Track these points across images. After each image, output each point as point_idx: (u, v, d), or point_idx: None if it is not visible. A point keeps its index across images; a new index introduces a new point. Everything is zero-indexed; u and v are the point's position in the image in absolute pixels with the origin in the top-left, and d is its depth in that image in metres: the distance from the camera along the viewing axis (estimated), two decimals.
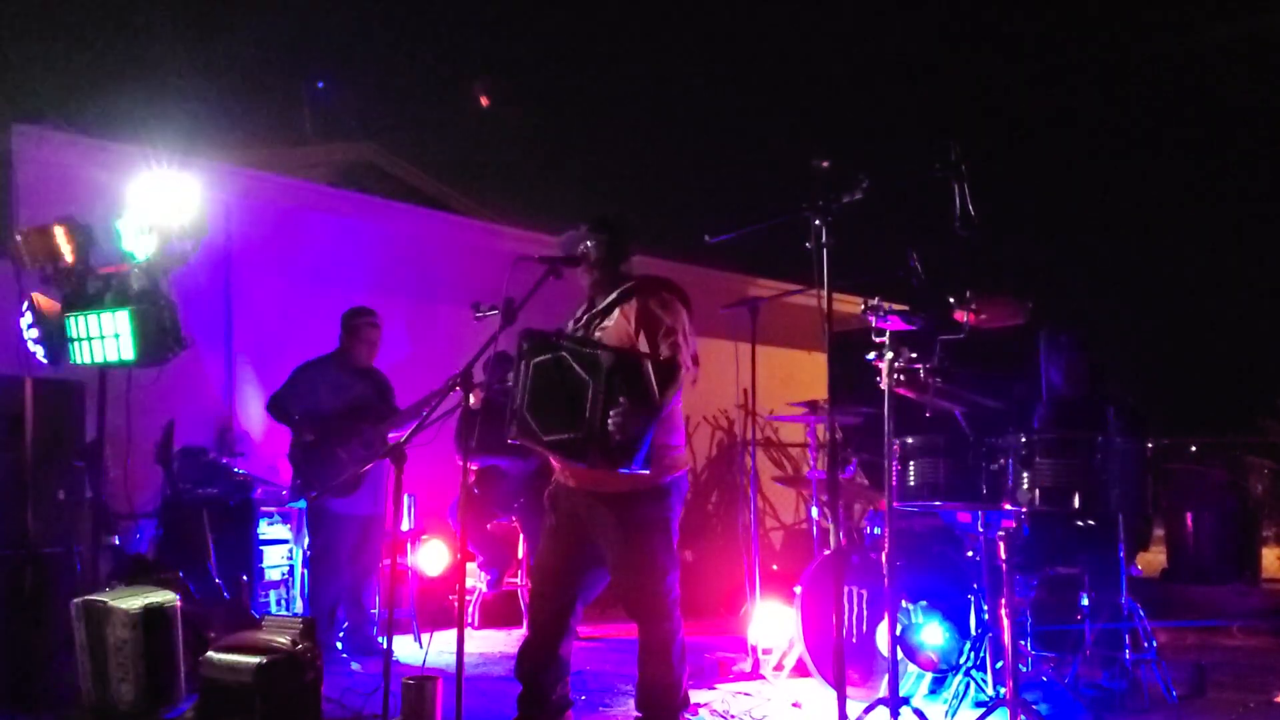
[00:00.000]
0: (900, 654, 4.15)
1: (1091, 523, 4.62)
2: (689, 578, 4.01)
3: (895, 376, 3.91)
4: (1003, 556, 3.88)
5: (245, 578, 5.32)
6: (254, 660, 3.66)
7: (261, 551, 5.92)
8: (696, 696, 4.49)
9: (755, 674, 5.19)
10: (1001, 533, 3.91)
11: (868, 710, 3.77)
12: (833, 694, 3.55)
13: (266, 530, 5.98)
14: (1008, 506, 3.92)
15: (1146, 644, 4.49)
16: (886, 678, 3.80)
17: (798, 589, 4.92)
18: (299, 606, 5.95)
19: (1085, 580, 4.48)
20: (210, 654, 3.77)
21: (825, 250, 3.47)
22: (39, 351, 4.41)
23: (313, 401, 5.55)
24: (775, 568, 6.44)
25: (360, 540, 5.59)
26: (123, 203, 4.33)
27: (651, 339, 3.67)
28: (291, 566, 6.06)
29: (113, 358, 4.24)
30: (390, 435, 5.43)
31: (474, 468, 6.18)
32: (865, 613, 4.78)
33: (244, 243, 6.74)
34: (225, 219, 6.42)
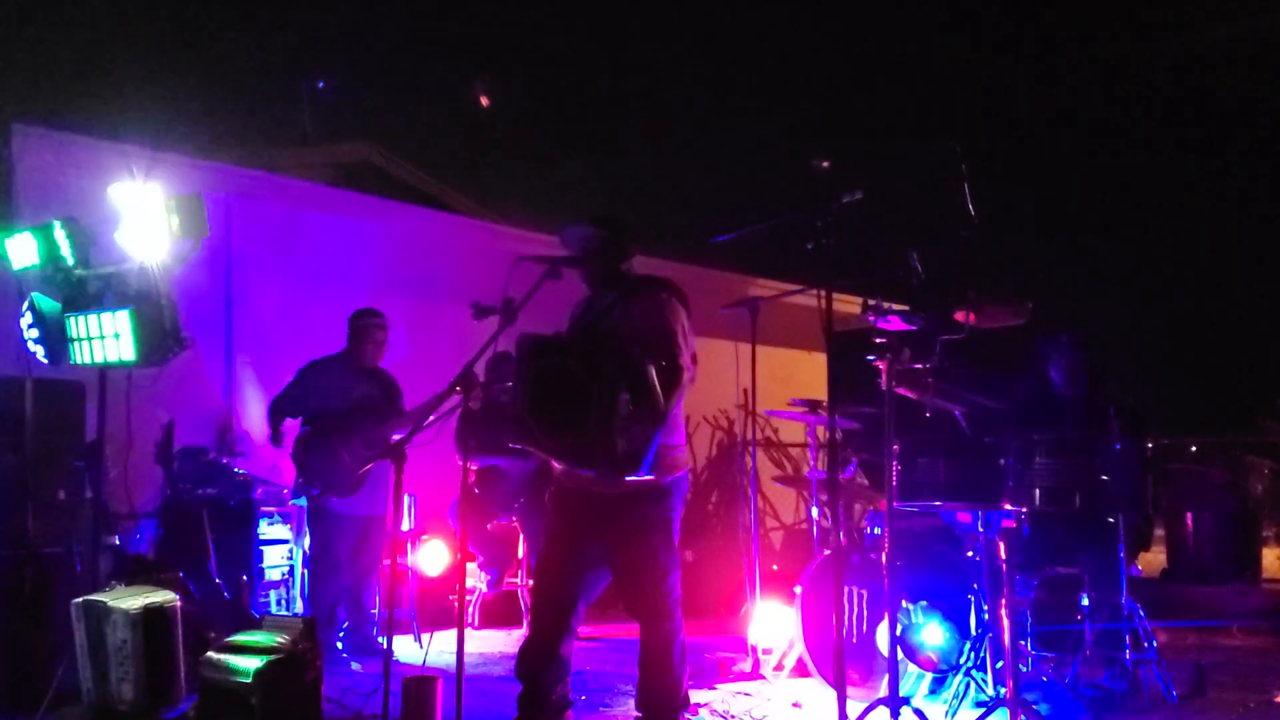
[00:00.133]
0: (900, 654, 4.15)
1: (1109, 520, 4.61)
2: (689, 578, 4.01)
3: (895, 376, 3.91)
4: (1003, 556, 3.89)
5: (245, 578, 5.32)
6: (254, 660, 3.66)
7: (261, 551, 5.93)
8: (696, 696, 4.49)
9: (755, 674, 5.19)
10: (1001, 533, 3.91)
11: (868, 710, 3.77)
12: (833, 694, 3.55)
13: (266, 530, 5.98)
14: (1008, 506, 3.92)
15: (1146, 644, 4.49)
16: (886, 678, 3.81)
17: (798, 589, 4.92)
18: (299, 606, 5.95)
19: (1085, 580, 4.47)
20: (210, 654, 3.77)
21: (825, 250, 3.47)
22: (39, 351, 4.41)
23: (317, 401, 5.56)
24: (775, 568, 6.43)
25: (360, 540, 5.59)
26: (122, 203, 4.32)
27: (651, 339, 3.67)
28: (291, 566, 6.06)
29: (113, 358, 4.23)
30: (393, 437, 5.43)
31: (474, 468, 6.18)
32: (865, 613, 4.78)
33: (244, 243, 6.74)
34: (225, 219, 6.42)
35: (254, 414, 6.75)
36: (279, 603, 5.99)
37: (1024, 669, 4.25)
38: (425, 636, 5.98)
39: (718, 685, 5.03)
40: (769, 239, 3.90)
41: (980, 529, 4.09)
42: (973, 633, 4.37)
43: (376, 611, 5.83)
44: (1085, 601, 4.45)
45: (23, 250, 4.38)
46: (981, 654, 4.20)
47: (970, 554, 4.53)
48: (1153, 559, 7.90)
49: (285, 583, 6.05)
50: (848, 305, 3.98)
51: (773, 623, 5.27)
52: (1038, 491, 3.90)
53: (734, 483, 8.74)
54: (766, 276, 9.13)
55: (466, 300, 3.78)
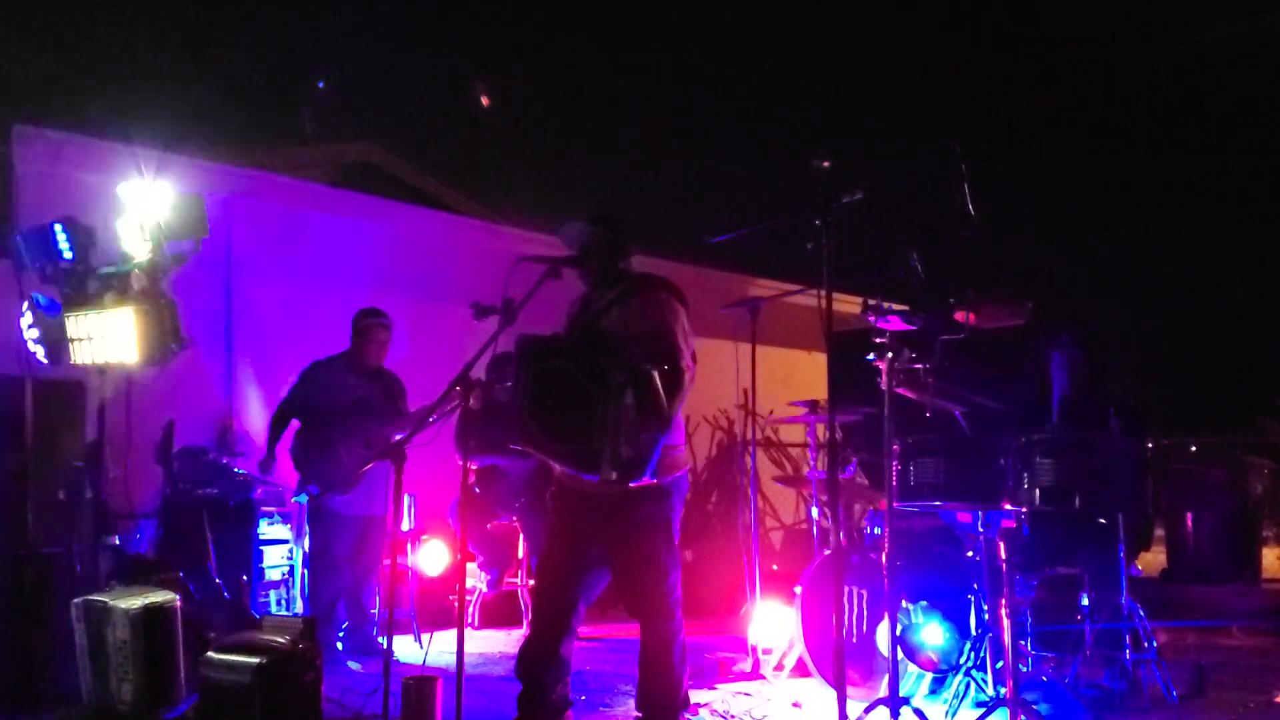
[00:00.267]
0: (900, 654, 4.14)
1: (1102, 521, 4.61)
2: (689, 578, 4.01)
3: (895, 376, 3.91)
4: (1003, 556, 3.88)
5: (245, 578, 5.32)
6: (254, 660, 3.66)
7: (261, 551, 5.93)
8: (696, 696, 4.49)
9: (755, 674, 5.19)
10: (1001, 533, 3.91)
11: (868, 710, 3.77)
12: (833, 694, 3.55)
13: (266, 530, 5.98)
14: (1008, 506, 3.92)
15: (1146, 644, 4.48)
16: (886, 678, 3.81)
17: (798, 589, 4.92)
18: (299, 606, 5.95)
19: (1085, 580, 4.47)
20: (210, 654, 3.77)
21: (825, 250, 3.47)
22: (39, 351, 4.41)
23: (318, 399, 5.56)
24: (775, 568, 6.44)
25: (360, 540, 5.59)
26: (122, 203, 4.33)
27: (652, 342, 3.67)
28: (291, 566, 6.06)
29: (113, 358, 4.24)
30: (394, 437, 5.43)
31: (474, 467, 6.18)
32: (865, 613, 4.78)
33: (244, 243, 6.74)
34: (225, 219, 6.42)
35: (254, 414, 6.75)
36: (279, 603, 5.99)
37: (1024, 669, 4.25)
38: (425, 636, 5.98)
39: (718, 685, 5.03)
40: (768, 239, 3.90)
41: (980, 529, 4.09)
42: (973, 633, 4.37)
43: (376, 611, 5.84)
44: (1085, 601, 4.45)
45: (23, 250, 4.38)
46: (981, 654, 4.20)
47: (970, 554, 4.53)
48: (1153, 559, 7.90)
49: (285, 583, 6.05)
50: (848, 305, 3.98)
51: (773, 623, 5.27)
52: (1038, 491, 3.89)
53: (734, 483, 8.74)
54: (766, 276, 9.13)
55: (466, 300, 3.78)
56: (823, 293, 3.48)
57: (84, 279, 4.37)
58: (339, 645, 5.58)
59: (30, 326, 4.42)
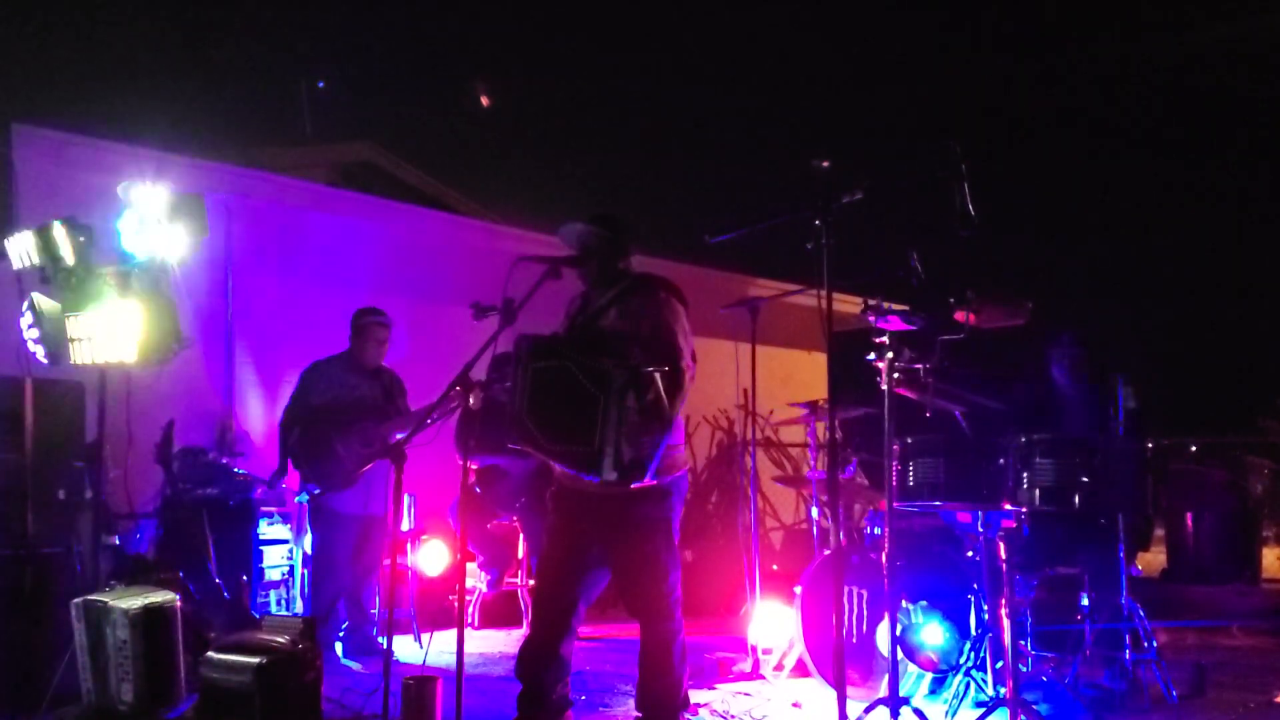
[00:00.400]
0: (900, 654, 4.14)
1: (1102, 521, 4.60)
2: (689, 578, 4.01)
3: (895, 376, 3.91)
4: (1003, 556, 3.89)
5: (245, 578, 5.32)
6: (254, 660, 3.66)
7: (261, 551, 5.93)
8: (696, 696, 4.49)
9: (755, 674, 5.19)
10: (1001, 533, 3.91)
11: (868, 710, 3.77)
12: (833, 694, 3.55)
13: (266, 530, 5.98)
14: (1008, 506, 3.92)
15: (1146, 644, 4.49)
16: (886, 678, 3.81)
17: (798, 589, 4.92)
18: (299, 606, 5.95)
19: (1085, 580, 4.48)
20: (210, 654, 3.77)
21: (825, 250, 3.47)
22: (39, 351, 4.41)
23: (319, 398, 5.57)
24: (775, 568, 6.44)
25: (361, 540, 5.59)
26: (122, 203, 4.32)
27: (652, 342, 3.67)
28: (291, 566, 6.06)
29: (113, 358, 4.23)
30: (393, 436, 5.43)
31: (474, 467, 6.17)
32: (865, 613, 4.78)
33: (244, 243, 6.74)
34: (225, 219, 6.42)
35: (254, 414, 6.75)
36: (279, 603, 5.98)
37: (1024, 669, 4.25)
38: (425, 636, 5.98)
39: (718, 685, 5.03)
40: (768, 239, 3.90)
41: (980, 529, 4.09)
42: (973, 633, 4.37)
43: (376, 611, 5.84)
44: (1085, 601, 4.45)
45: (23, 250, 4.38)
46: (981, 654, 4.20)
47: (970, 554, 4.53)
48: (1153, 559, 7.90)
49: (285, 583, 6.05)
50: (848, 305, 3.98)
51: (773, 623, 5.27)
52: (1038, 491, 3.89)
53: (734, 483, 8.74)
54: (766, 276, 9.13)
55: (466, 300, 3.78)
56: (823, 293, 3.48)
57: (84, 279, 4.37)
58: (339, 645, 5.58)
59: (30, 326, 4.42)
